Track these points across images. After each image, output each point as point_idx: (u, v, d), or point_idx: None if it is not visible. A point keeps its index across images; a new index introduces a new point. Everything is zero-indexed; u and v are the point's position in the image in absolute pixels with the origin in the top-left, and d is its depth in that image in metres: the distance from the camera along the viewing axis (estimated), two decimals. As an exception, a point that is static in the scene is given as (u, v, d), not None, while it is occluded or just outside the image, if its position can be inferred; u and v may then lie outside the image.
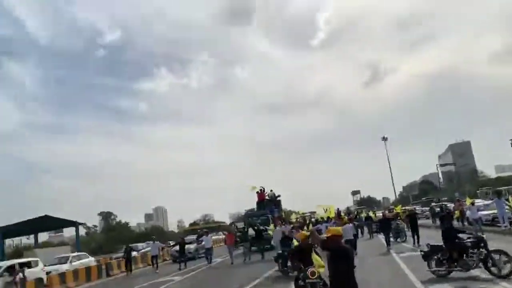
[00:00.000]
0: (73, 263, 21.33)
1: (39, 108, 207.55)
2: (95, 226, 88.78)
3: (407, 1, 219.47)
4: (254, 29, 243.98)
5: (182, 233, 70.22)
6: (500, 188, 32.78)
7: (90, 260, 23.71)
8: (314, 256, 8.04)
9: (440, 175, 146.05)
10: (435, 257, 9.20)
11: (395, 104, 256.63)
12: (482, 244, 8.66)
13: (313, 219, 29.91)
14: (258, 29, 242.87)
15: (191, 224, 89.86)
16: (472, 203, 20.87)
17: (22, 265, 17.88)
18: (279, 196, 30.47)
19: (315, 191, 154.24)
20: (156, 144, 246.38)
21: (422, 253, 9.61)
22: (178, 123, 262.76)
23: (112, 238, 58.44)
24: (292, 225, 18.80)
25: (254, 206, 30.45)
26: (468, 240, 9.02)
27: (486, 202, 25.99)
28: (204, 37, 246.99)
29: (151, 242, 22.82)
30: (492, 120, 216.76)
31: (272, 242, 19.63)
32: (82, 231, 72.90)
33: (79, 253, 24.79)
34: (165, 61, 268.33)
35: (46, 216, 34.23)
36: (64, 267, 20.39)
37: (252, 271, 14.93)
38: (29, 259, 20.08)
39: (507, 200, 19.77)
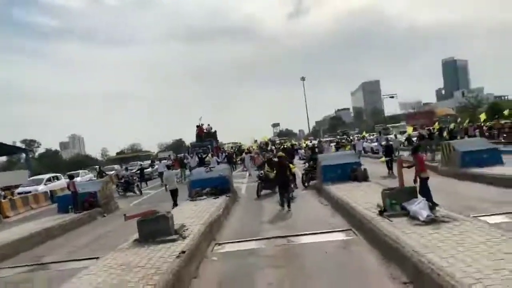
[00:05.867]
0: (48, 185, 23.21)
1: None
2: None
3: None
4: None
5: (109, 161, 72.22)
6: (388, 125, 42.35)
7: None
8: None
9: (351, 110, 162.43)
10: None
11: (316, 38, 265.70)
12: None
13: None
14: None
15: (118, 153, 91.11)
16: (362, 138, 28.14)
17: None
18: (215, 131, 34.79)
19: (236, 122, 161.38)
20: (68, 64, 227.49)
21: None
22: (92, 42, 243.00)
23: (45, 165, 59.13)
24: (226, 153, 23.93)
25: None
26: None
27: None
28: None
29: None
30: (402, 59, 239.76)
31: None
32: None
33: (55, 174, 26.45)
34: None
35: (-1, 143, 34.74)
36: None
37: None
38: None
39: (395, 136, 26.23)
